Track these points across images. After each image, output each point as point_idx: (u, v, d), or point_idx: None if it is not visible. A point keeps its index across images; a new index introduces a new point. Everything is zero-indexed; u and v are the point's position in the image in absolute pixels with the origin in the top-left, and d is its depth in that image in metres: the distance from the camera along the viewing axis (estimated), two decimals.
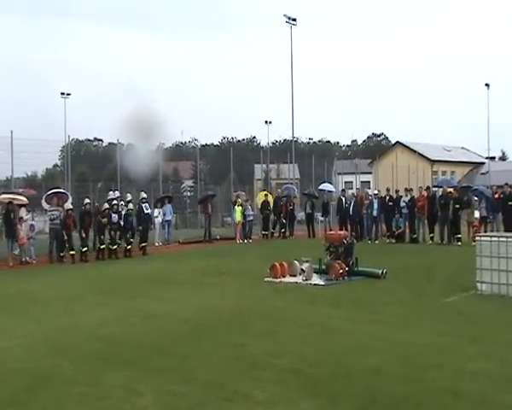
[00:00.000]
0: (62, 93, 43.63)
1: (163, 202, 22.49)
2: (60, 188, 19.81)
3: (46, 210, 17.76)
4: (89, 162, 59.94)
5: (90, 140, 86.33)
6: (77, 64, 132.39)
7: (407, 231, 20.56)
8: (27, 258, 16.54)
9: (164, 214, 21.91)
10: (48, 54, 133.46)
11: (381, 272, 11.60)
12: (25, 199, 17.51)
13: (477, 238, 10.32)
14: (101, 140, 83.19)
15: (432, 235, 19.74)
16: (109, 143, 61.77)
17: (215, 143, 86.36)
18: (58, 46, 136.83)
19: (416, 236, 20.11)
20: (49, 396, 5.18)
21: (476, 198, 19.95)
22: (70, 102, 42.53)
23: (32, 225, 17.13)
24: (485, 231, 17.94)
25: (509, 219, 18.22)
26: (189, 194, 39.98)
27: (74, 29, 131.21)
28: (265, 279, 11.75)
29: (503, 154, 76.40)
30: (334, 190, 25.44)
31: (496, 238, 9.86)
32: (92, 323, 8.12)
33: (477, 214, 19.43)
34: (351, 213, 21.44)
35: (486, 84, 45.22)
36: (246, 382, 5.41)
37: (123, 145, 27.27)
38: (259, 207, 24.62)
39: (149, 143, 26.39)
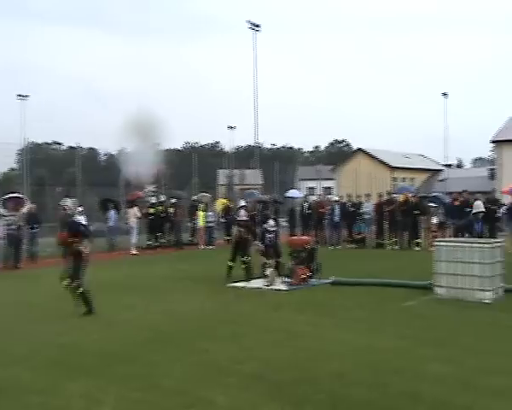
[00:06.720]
0: (19, 95, 42.75)
1: (105, 206, 20.31)
2: (17, 192, 19.26)
3: (2, 215, 17.21)
4: (48, 166, 58.45)
5: (48, 143, 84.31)
6: (36, 67, 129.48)
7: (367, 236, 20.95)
8: None
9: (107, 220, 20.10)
10: (6, 55, 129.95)
11: (428, 283, 10.41)
12: None
13: (435, 243, 10.60)
14: (60, 143, 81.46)
15: (392, 240, 20.12)
16: (69, 147, 60.58)
17: (178, 148, 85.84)
18: (17, 48, 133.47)
19: (386, 241, 20.25)
20: (6, 406, 5.04)
21: (434, 205, 20.41)
22: (28, 105, 41.65)
23: None
24: (444, 237, 18.37)
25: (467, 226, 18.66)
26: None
27: (34, 30, 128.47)
28: (228, 285, 11.74)
29: (460, 161, 78.74)
30: (301, 196, 25.63)
31: (452, 244, 10.20)
32: (51, 330, 7.93)
33: (435, 220, 19.88)
34: (312, 218, 21.71)
35: (444, 94, 46.57)
36: (209, 388, 5.39)
37: (83, 149, 26.76)
38: (220, 213, 24.38)
39: (114, 147, 26.01)
